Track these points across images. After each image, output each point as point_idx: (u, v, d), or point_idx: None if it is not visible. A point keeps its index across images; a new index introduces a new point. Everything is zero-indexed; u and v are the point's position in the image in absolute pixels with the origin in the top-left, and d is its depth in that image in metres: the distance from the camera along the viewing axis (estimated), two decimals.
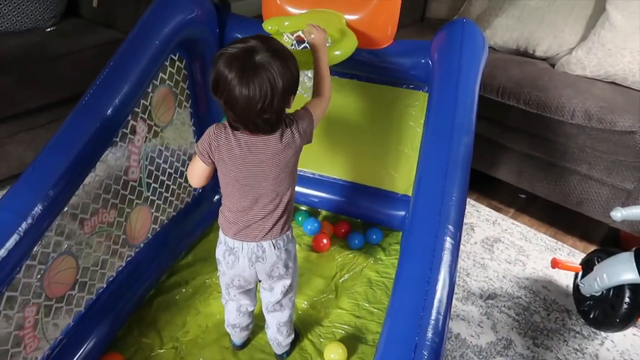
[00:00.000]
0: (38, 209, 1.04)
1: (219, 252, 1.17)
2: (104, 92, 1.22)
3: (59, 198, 1.10)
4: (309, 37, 1.21)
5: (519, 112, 1.80)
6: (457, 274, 1.72)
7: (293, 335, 1.35)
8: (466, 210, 2.03)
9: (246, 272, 1.14)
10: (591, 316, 1.52)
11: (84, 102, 1.20)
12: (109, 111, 1.20)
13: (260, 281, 1.20)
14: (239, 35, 1.56)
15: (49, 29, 2.18)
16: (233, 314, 1.29)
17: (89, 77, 1.32)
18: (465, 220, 1.96)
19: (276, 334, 1.30)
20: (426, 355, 0.80)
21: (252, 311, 1.32)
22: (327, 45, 1.36)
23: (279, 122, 1.01)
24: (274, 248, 1.12)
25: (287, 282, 1.20)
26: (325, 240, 1.71)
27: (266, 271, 1.14)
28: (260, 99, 0.92)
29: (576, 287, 1.60)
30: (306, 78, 1.39)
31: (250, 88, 0.91)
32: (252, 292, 1.27)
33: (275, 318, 1.28)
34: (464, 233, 1.91)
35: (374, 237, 1.76)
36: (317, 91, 1.15)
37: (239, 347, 1.40)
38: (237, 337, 1.37)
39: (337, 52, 1.28)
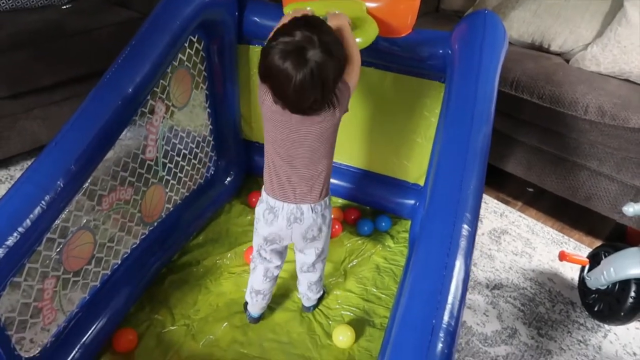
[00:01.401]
0: (60, 182, 1.06)
1: (259, 210, 1.23)
2: (126, 70, 1.23)
3: (81, 173, 1.12)
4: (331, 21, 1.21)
5: (532, 105, 1.81)
6: None
7: (322, 292, 1.47)
8: None
9: (283, 231, 1.21)
10: (596, 309, 1.55)
11: (106, 79, 1.21)
12: (130, 89, 1.21)
13: (293, 243, 1.28)
14: (257, 19, 1.57)
15: (64, 7, 2.18)
16: (259, 278, 1.34)
17: (104, 55, 1.34)
18: None
19: (307, 291, 1.41)
20: (442, 338, 0.82)
21: (277, 276, 1.38)
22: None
23: (325, 104, 1.07)
24: (312, 212, 1.18)
25: (320, 245, 1.28)
26: (337, 226, 1.73)
27: (301, 232, 1.21)
28: (311, 94, 0.99)
29: (582, 280, 1.62)
30: None
31: (304, 85, 0.96)
32: (283, 252, 1.34)
33: (307, 278, 1.38)
34: None
35: (383, 224, 1.78)
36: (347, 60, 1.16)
37: (255, 320, 1.43)
38: (257, 307, 1.40)
39: (358, 40, 1.28)
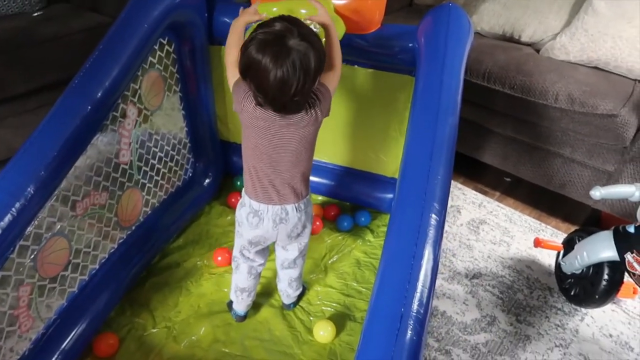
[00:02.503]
0: (30, 189, 1.06)
1: (242, 215, 1.24)
2: (94, 75, 1.23)
3: (51, 179, 1.11)
4: (317, 19, 1.21)
5: (504, 96, 1.83)
6: (444, 255, 1.77)
7: (301, 289, 1.48)
8: (452, 193, 2.08)
9: (269, 233, 1.23)
10: (572, 293, 1.58)
11: (74, 84, 1.21)
12: (99, 94, 1.21)
13: (275, 242, 1.30)
14: (227, 20, 1.57)
15: (35, 14, 2.17)
16: (244, 276, 1.36)
17: (77, 61, 1.33)
18: (451, 203, 2.01)
19: (287, 287, 1.43)
20: (411, 325, 0.84)
21: (261, 272, 1.40)
22: (316, 31, 1.38)
23: (306, 102, 1.06)
24: (296, 211, 1.21)
25: (303, 240, 1.31)
26: (317, 223, 1.75)
27: (287, 232, 1.24)
28: (293, 83, 0.96)
29: (558, 265, 1.65)
30: None
31: (285, 74, 0.94)
32: (266, 250, 1.36)
33: (288, 274, 1.40)
34: (450, 215, 1.95)
35: (362, 219, 1.80)
36: (329, 65, 1.15)
37: (241, 318, 1.44)
38: (243, 305, 1.41)
39: (324, 39, 1.30)
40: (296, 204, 1.20)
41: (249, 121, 1.09)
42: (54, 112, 1.17)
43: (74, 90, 1.20)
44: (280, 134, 1.08)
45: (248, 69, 0.98)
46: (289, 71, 0.94)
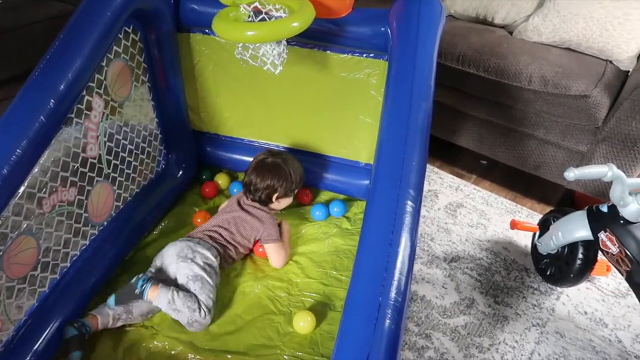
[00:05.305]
0: None
1: None
2: (55, 67, 1.18)
3: (15, 176, 1.07)
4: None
5: (479, 79, 1.83)
6: (422, 239, 1.77)
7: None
8: (430, 178, 2.08)
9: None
10: (548, 273, 1.60)
11: (35, 77, 1.16)
12: (62, 86, 1.16)
13: None
14: (195, 7, 1.53)
15: None
16: None
17: (40, 52, 1.28)
18: (428, 187, 2.02)
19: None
20: (390, 314, 0.83)
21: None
22: (285, 15, 1.35)
23: (262, 202, 1.58)
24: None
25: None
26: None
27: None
28: (260, 184, 1.55)
29: (534, 246, 1.67)
30: (275, 52, 1.38)
31: (264, 178, 1.55)
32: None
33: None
34: (427, 199, 1.96)
35: (336, 210, 1.77)
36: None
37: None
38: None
39: (295, 24, 1.27)
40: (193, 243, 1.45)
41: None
42: (14, 107, 1.12)
43: (35, 83, 1.15)
44: (227, 209, 1.60)
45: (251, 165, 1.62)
46: (266, 177, 1.55)
